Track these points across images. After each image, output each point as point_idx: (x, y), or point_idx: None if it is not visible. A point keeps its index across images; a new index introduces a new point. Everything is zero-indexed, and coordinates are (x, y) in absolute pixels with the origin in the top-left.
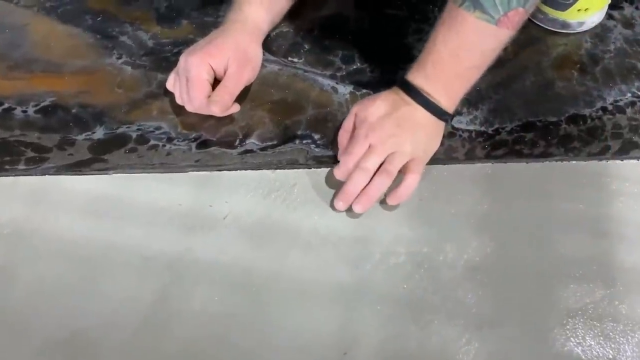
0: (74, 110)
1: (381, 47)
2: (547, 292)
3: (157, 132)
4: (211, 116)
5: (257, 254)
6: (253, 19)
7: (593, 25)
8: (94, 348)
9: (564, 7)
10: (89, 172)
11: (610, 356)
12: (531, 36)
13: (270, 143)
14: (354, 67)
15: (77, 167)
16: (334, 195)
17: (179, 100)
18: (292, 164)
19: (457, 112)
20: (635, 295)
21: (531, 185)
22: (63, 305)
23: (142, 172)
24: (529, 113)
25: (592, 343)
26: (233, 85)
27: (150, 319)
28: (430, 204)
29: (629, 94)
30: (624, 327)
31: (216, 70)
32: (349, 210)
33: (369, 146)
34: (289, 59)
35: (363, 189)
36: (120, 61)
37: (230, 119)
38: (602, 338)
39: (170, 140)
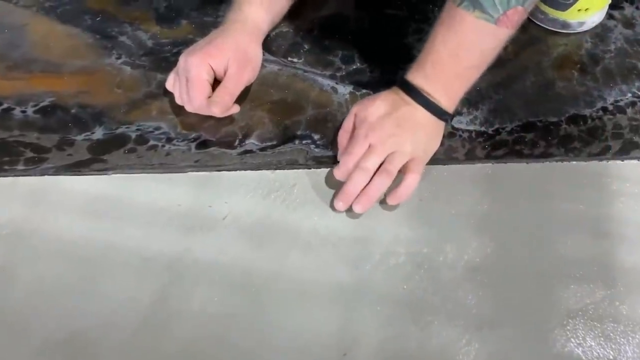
0: (73, 111)
1: (381, 47)
2: (548, 293)
3: (156, 132)
4: (211, 116)
5: (257, 255)
6: (253, 19)
7: (593, 25)
8: (94, 348)
9: (565, 7)
10: (88, 173)
11: (611, 357)
12: (531, 36)
13: (269, 143)
14: (354, 67)
15: (76, 168)
16: (334, 196)
17: (178, 101)
18: (292, 164)
19: (457, 112)
20: (636, 296)
21: (531, 186)
22: (62, 305)
23: (141, 173)
24: (529, 113)
25: (593, 344)
26: (233, 86)
27: (149, 320)
28: (430, 204)
29: (630, 94)
30: (625, 327)
31: (216, 70)
32: (349, 210)
33: (369, 146)
34: (289, 59)
35: (363, 189)
36: (119, 61)
37: (229, 119)
38: (602, 339)
39: (169, 140)
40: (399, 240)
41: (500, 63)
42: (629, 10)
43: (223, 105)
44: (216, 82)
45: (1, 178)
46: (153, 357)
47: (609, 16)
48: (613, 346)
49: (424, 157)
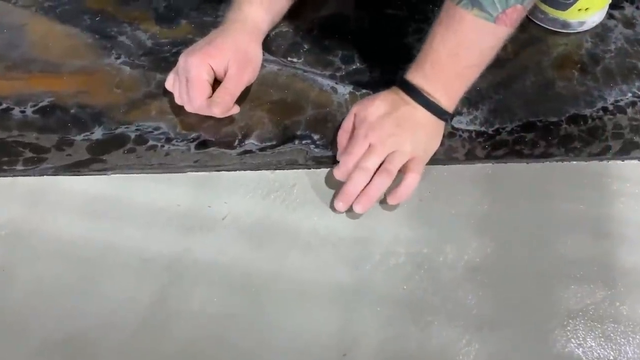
0: (72, 111)
1: (381, 47)
2: (548, 293)
3: (155, 132)
4: (210, 117)
5: (257, 255)
6: (253, 19)
7: (594, 24)
8: (93, 349)
9: (565, 6)
10: (87, 173)
11: (611, 357)
12: (531, 36)
13: (269, 143)
14: (354, 67)
15: (76, 168)
16: (334, 196)
17: (178, 101)
18: (292, 165)
19: (457, 112)
20: (637, 296)
21: (531, 186)
22: (61, 306)
23: (140, 173)
24: (530, 113)
25: (593, 344)
26: (234, 87)
27: (149, 320)
28: (430, 205)
29: (630, 94)
30: (625, 328)
31: (216, 70)
32: (349, 210)
33: (369, 146)
34: (289, 59)
35: (363, 189)
36: (118, 61)
37: (229, 119)
38: (603, 339)
39: (169, 140)
40: (399, 241)
41: (500, 63)
42: (629, 10)
43: (224, 105)
44: (216, 82)
45: (0, 178)
46: (152, 357)
47: (609, 16)
48: (613, 347)
49: (424, 156)
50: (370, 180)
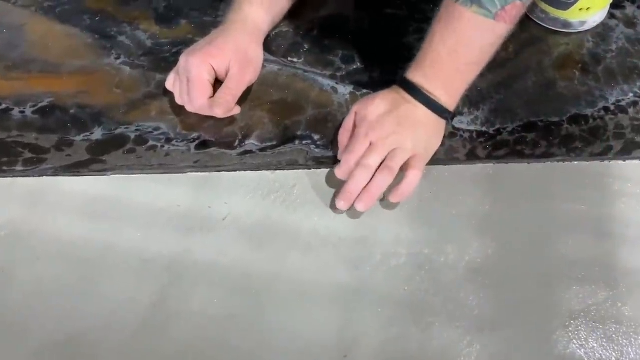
0: (72, 111)
1: (381, 47)
2: (549, 294)
3: (155, 132)
4: (210, 117)
5: (257, 256)
6: (253, 19)
7: (595, 24)
8: (92, 350)
9: (566, 6)
10: (87, 173)
11: (614, 359)
12: (532, 36)
13: (269, 144)
14: (354, 67)
15: (75, 168)
16: (335, 196)
17: (178, 101)
18: (292, 165)
19: (458, 112)
20: (639, 297)
21: (533, 186)
22: (61, 306)
23: (140, 173)
24: (531, 113)
25: (595, 345)
26: (236, 87)
27: (149, 321)
28: (431, 205)
29: (631, 94)
30: (627, 329)
31: (217, 71)
32: (351, 209)
33: (370, 144)
34: (289, 59)
35: (365, 187)
36: (118, 61)
37: (229, 119)
38: (605, 340)
39: (169, 141)
40: (399, 241)
41: (501, 63)
42: (630, 9)
43: (226, 106)
44: (216, 83)
45: (0, 179)
46: (152, 358)
47: (611, 15)
48: (615, 348)
49: (425, 154)
50: (372, 178)
